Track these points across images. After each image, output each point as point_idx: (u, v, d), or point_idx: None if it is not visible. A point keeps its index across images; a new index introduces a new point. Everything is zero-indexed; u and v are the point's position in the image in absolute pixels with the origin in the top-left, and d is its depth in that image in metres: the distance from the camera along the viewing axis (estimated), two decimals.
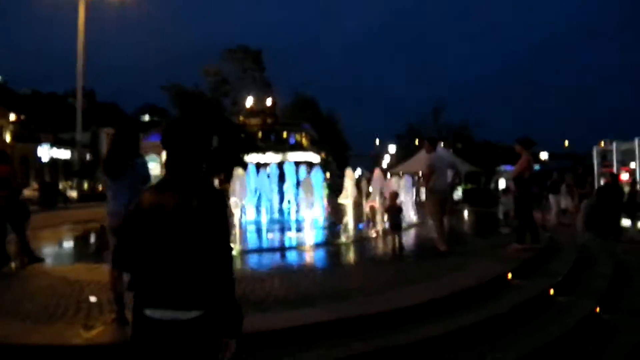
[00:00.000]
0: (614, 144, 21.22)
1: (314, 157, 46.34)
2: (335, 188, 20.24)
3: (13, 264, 7.33)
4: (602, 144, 23.93)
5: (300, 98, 61.68)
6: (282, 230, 11.50)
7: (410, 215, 13.04)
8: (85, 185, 35.99)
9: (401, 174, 16.00)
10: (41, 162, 49.65)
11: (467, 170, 26.54)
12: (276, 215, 14.28)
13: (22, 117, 53.26)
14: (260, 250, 8.91)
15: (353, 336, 4.26)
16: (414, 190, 15.99)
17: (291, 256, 8.36)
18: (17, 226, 7.53)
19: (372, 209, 12.03)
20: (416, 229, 11.82)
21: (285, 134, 52.38)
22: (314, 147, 54.59)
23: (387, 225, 9.15)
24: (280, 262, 7.84)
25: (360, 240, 9.89)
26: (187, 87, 44.93)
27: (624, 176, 20.07)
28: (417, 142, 47.27)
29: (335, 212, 14.12)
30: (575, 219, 13.44)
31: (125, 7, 26.12)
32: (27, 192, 30.02)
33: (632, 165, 20.50)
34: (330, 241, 9.87)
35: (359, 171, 44.26)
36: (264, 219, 13.39)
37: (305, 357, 3.93)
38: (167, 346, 2.20)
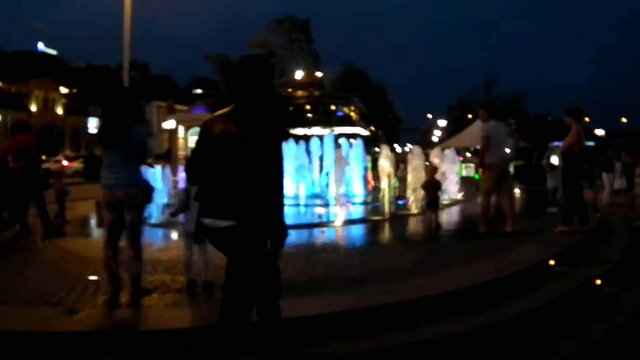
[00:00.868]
0: None
1: (363, 131, 45.06)
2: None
3: (34, 238, 7.23)
4: None
5: (349, 70, 60.20)
6: (314, 206, 10.92)
7: (455, 191, 12.24)
8: None
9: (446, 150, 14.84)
10: (91, 134, 50.01)
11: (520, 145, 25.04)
12: (315, 190, 13.70)
13: (74, 90, 54.88)
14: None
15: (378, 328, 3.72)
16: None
17: (316, 234, 7.72)
18: (37, 198, 7.39)
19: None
20: (460, 206, 11.09)
21: (333, 107, 51.17)
22: (363, 121, 53.17)
23: (423, 202, 8.39)
24: (305, 239, 7.19)
25: (396, 218, 9.21)
26: (232, 57, 44.69)
27: None
28: (469, 117, 45.09)
29: (377, 189, 13.39)
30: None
31: None
32: (74, 164, 31.13)
33: None
34: (364, 218, 9.31)
35: (409, 146, 42.91)
36: (301, 194, 12.90)
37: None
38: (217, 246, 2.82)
